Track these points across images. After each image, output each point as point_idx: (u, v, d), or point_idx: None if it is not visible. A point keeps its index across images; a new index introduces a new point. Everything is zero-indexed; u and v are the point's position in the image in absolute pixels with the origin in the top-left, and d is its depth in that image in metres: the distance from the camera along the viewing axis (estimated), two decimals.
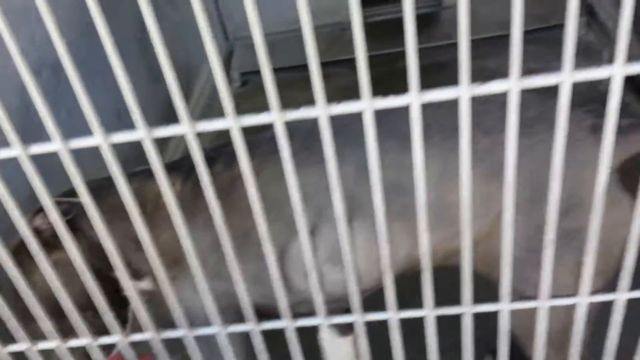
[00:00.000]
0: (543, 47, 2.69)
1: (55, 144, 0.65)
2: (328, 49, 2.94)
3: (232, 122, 0.62)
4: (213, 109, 2.85)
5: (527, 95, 1.04)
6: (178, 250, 1.09)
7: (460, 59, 0.54)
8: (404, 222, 0.99)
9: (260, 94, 3.24)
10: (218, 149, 1.15)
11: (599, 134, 0.98)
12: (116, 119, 1.99)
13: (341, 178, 0.98)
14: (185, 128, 0.63)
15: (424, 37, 2.82)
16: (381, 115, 1.02)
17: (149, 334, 0.78)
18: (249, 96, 2.92)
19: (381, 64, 2.72)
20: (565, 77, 0.55)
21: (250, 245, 1.05)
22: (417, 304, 0.75)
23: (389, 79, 3.03)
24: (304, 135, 1.05)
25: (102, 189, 1.09)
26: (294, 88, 3.12)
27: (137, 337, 0.79)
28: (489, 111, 0.99)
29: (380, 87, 0.56)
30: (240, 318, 1.09)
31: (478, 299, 0.74)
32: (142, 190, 1.12)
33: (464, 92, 0.57)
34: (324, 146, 0.63)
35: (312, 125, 1.04)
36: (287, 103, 0.59)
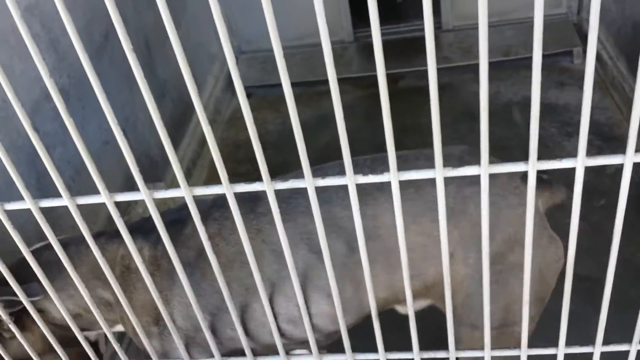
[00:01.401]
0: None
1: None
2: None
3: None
4: (217, 122, 2.91)
5: (469, 149, 1.14)
6: (158, 309, 1.14)
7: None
8: (378, 266, 1.07)
9: (263, 106, 3.30)
10: (186, 209, 1.21)
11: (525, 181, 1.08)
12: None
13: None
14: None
15: (423, 60, 2.87)
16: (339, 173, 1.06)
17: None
18: (252, 109, 2.97)
19: None
20: (530, 166, 0.60)
21: (232, 295, 1.12)
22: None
23: (390, 99, 3.08)
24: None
25: (50, 263, 1.12)
26: (298, 103, 3.17)
27: None
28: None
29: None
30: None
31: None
32: (105, 254, 1.15)
33: (438, 174, 0.62)
34: (315, 217, 0.68)
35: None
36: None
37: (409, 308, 0.76)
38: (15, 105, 0.63)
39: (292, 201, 1.10)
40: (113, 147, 1.90)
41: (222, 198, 1.17)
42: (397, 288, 1.11)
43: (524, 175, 1.11)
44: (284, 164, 1.62)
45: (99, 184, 0.70)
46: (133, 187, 2.02)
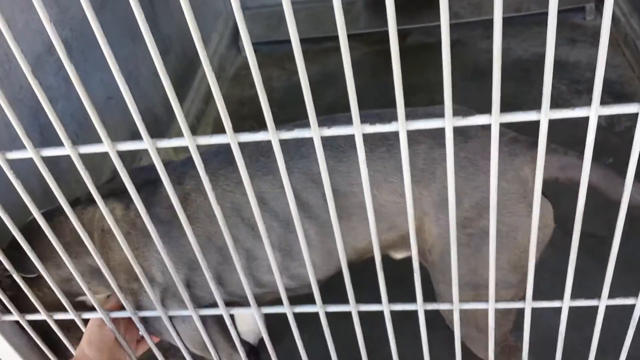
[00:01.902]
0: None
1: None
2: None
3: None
4: (221, 79, 2.87)
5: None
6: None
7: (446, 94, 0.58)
8: (344, 220, 1.09)
9: (268, 63, 3.26)
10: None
11: (513, 146, 1.08)
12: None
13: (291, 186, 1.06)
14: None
15: (431, 15, 2.81)
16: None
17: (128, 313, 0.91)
18: (258, 66, 2.94)
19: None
20: (542, 116, 0.58)
21: (214, 249, 1.12)
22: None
23: (400, 55, 3.03)
24: (251, 148, 1.13)
25: (39, 230, 1.12)
26: (304, 60, 3.12)
27: (119, 314, 0.93)
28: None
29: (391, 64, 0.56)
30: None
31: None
32: (82, 220, 1.13)
33: (447, 123, 0.60)
34: (319, 163, 0.67)
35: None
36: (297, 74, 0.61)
37: (414, 261, 0.76)
38: (17, 56, 0.61)
39: (272, 154, 1.10)
40: (116, 102, 1.89)
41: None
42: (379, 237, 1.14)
43: (509, 140, 1.10)
44: (289, 121, 1.61)
45: (102, 133, 0.69)
46: None
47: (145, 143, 0.69)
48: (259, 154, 1.13)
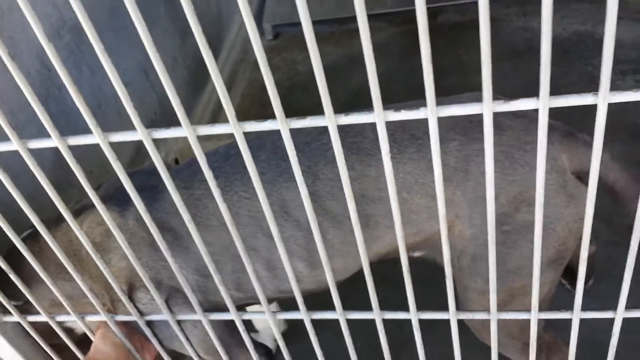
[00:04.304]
0: (592, 6, 2.53)
1: (54, 140, 0.62)
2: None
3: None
4: (245, 62, 2.79)
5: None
6: (136, 275, 1.08)
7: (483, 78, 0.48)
8: (369, 229, 1.03)
9: (293, 46, 3.14)
10: (158, 174, 1.14)
11: (549, 134, 0.98)
12: (143, 75, 1.96)
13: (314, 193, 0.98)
14: (188, 131, 0.59)
15: None
16: (342, 133, 0.99)
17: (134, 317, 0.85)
18: (281, 50, 2.85)
19: None
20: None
21: (229, 257, 1.05)
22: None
23: (429, 34, 2.90)
24: (269, 149, 1.05)
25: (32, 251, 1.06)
26: (329, 42, 3.02)
27: (123, 317, 0.86)
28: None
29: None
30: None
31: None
32: (70, 238, 1.09)
33: (486, 108, 0.51)
34: (337, 157, 0.58)
35: (276, 140, 1.06)
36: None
37: (446, 267, 0.67)
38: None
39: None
40: (132, 88, 1.82)
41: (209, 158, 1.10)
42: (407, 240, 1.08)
43: (561, 134, 1.01)
44: (314, 107, 1.52)
45: (91, 123, 0.61)
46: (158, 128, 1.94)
47: (139, 134, 0.61)
48: (279, 159, 1.04)
